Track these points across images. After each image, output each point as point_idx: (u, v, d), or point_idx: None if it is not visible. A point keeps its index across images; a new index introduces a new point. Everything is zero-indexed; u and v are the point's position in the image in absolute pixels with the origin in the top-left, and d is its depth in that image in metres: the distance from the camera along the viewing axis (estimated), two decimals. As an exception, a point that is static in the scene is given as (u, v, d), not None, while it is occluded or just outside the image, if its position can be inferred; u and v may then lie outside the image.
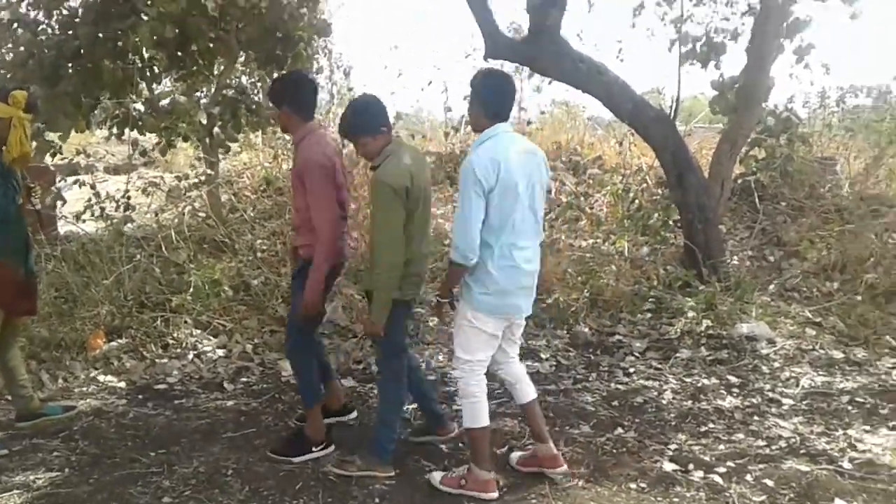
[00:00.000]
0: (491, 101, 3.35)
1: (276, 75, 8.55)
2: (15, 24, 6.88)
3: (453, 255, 3.26)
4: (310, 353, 3.92)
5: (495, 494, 3.40)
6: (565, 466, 3.58)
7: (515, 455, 3.74)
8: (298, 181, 3.64)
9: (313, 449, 3.80)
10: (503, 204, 3.23)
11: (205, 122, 7.19)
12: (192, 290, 5.72)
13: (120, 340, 5.29)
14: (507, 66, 12.11)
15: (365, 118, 3.51)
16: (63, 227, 6.84)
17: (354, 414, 4.29)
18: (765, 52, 6.62)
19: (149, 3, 6.48)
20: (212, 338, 5.50)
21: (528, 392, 3.60)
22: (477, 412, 3.42)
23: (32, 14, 7.07)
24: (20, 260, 3.94)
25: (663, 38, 8.34)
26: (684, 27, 7.46)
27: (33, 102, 3.92)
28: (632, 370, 5.16)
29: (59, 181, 7.07)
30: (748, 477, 3.58)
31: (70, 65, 6.82)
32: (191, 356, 5.26)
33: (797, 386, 4.81)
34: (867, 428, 4.16)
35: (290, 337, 3.91)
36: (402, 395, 3.74)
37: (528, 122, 10.22)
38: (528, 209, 3.33)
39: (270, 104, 3.84)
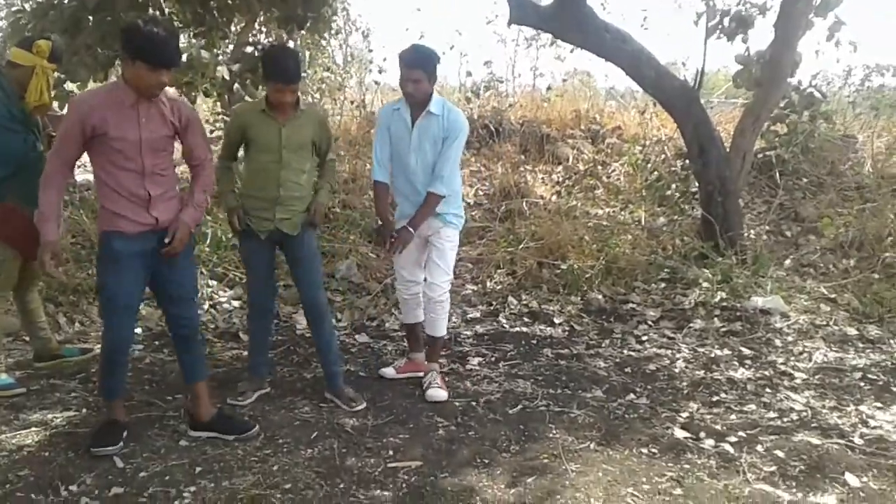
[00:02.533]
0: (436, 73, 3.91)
1: (294, 34, 8.49)
2: (37, -25, 6.82)
3: (441, 189, 3.87)
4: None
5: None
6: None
7: (389, 370, 4.34)
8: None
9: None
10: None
11: (227, 77, 7.15)
12: (208, 241, 5.73)
13: (136, 288, 5.31)
14: (527, 33, 12.05)
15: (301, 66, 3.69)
16: (80, 176, 6.84)
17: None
18: (793, 28, 6.48)
19: (170, -43, 6.42)
20: (227, 289, 5.53)
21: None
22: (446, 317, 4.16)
23: (54, -35, 6.99)
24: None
25: (689, 12, 8.19)
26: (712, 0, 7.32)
27: (57, 52, 3.87)
28: (644, 338, 5.16)
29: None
30: (759, 447, 3.58)
31: (90, 17, 6.77)
32: (206, 306, 5.29)
33: (810, 360, 4.80)
34: (879, 405, 4.15)
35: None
36: None
37: (548, 88, 10.14)
38: None
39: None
